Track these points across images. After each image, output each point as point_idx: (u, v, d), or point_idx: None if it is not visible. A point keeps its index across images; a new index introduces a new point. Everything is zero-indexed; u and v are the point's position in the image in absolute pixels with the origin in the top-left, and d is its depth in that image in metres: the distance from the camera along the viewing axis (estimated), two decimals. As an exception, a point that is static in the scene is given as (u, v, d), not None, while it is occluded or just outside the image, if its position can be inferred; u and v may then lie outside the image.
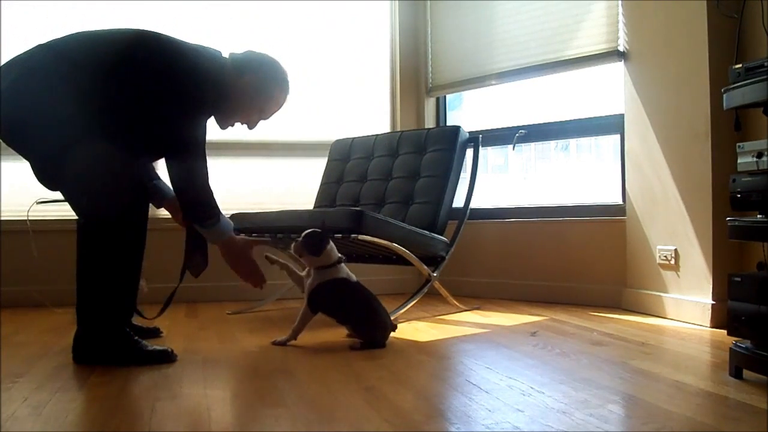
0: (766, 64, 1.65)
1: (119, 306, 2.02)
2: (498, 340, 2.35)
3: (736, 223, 1.74)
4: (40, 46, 2.01)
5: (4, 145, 2.03)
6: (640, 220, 3.01)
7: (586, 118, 3.41)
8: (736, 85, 1.73)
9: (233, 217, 2.60)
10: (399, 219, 2.95)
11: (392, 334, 2.30)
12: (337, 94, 3.87)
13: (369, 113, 3.92)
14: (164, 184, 2.40)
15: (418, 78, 3.95)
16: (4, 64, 2.00)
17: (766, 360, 1.63)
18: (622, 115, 3.13)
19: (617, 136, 3.25)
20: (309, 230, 2.24)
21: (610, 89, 3.28)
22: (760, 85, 1.64)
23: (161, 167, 2.35)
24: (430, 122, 3.95)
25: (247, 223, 2.84)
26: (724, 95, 1.78)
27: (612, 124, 3.26)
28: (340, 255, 2.27)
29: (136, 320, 2.32)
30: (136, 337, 2.04)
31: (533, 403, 1.56)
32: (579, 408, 1.50)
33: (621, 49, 3.10)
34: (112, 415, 1.50)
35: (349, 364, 1.99)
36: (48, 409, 1.53)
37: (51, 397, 1.63)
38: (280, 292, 3.17)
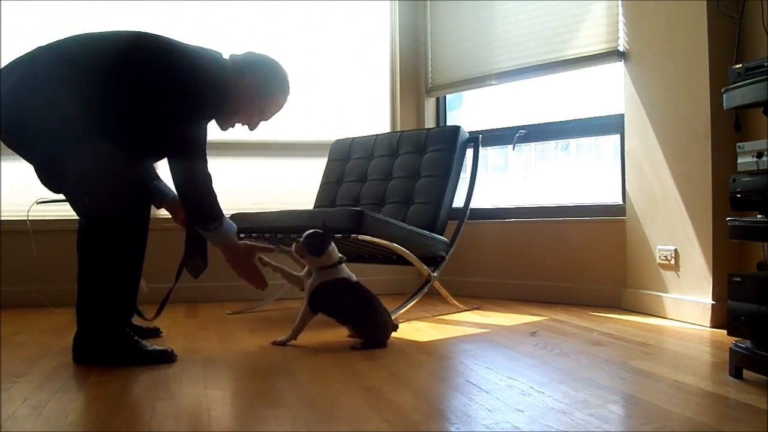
0: (766, 64, 1.65)
1: (120, 306, 2.02)
2: (498, 340, 2.35)
3: (736, 223, 1.74)
4: (41, 47, 2.01)
5: (3, 145, 2.03)
6: (640, 220, 3.01)
7: (586, 118, 3.41)
8: (736, 85, 1.73)
9: (233, 217, 2.60)
10: (399, 219, 2.95)
11: (393, 334, 2.31)
12: (337, 94, 3.87)
13: (369, 113, 3.92)
14: (164, 184, 2.40)
15: (418, 78, 3.95)
16: (5, 66, 2.00)
17: (766, 360, 1.63)
18: (622, 115, 3.13)
19: (617, 136, 3.25)
20: (310, 231, 2.24)
21: (610, 89, 3.28)
22: (760, 85, 1.64)
23: (161, 168, 2.35)
24: (430, 122, 3.95)
25: (247, 223, 2.84)
26: (724, 95, 1.78)
27: (612, 124, 3.26)
28: (341, 255, 2.27)
29: (136, 320, 2.33)
30: (136, 337, 2.04)
31: (533, 403, 1.56)
32: (579, 408, 1.50)
33: (621, 49, 3.10)
34: (112, 415, 1.50)
35: (349, 364, 1.99)
36: (48, 409, 1.53)
37: (51, 397, 1.63)
38: (280, 293, 3.17)
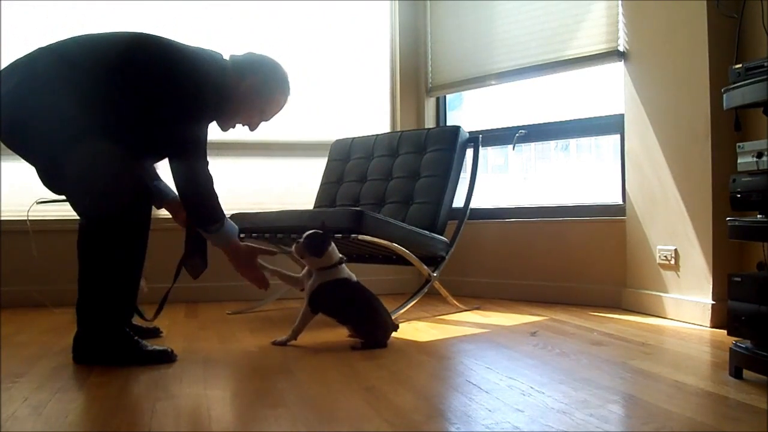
0: (766, 64, 1.65)
1: (120, 306, 2.02)
2: (498, 340, 2.35)
3: (736, 223, 1.74)
4: (41, 49, 2.02)
5: (4, 145, 2.03)
6: (640, 220, 3.01)
7: (586, 118, 3.41)
8: (736, 85, 1.73)
9: (233, 216, 2.60)
10: (399, 219, 2.95)
11: (393, 334, 2.30)
12: (337, 94, 3.86)
13: (369, 113, 3.92)
14: (165, 184, 2.40)
15: (418, 78, 3.95)
16: (5, 68, 2.00)
17: (766, 360, 1.63)
18: (622, 115, 3.13)
19: (617, 136, 3.25)
20: (310, 231, 2.24)
21: (610, 89, 3.28)
22: (760, 85, 1.64)
23: (162, 168, 2.35)
24: (430, 122, 3.95)
25: (248, 223, 2.83)
26: (724, 95, 1.78)
27: (612, 124, 3.26)
28: (341, 255, 2.27)
29: (136, 320, 2.33)
30: (136, 337, 2.04)
31: (533, 403, 1.56)
32: (579, 408, 1.50)
33: (621, 49, 3.10)
34: (112, 415, 1.50)
35: (349, 364, 1.99)
36: (48, 409, 1.53)
37: (51, 397, 1.63)
38: (280, 293, 3.17)
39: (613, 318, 2.82)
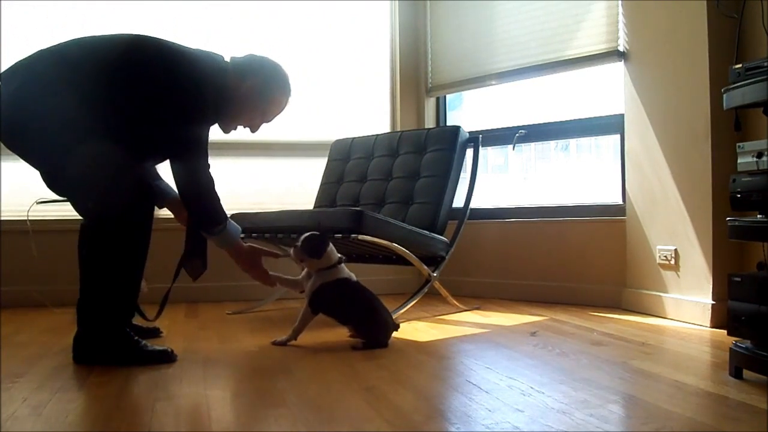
0: (766, 64, 1.65)
1: (121, 306, 2.02)
2: (498, 340, 2.35)
3: (736, 223, 1.74)
4: (41, 51, 2.02)
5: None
6: (640, 220, 3.01)
7: (586, 118, 3.41)
8: (736, 85, 1.73)
9: (234, 216, 2.60)
10: (399, 219, 2.95)
11: (393, 333, 2.30)
12: (337, 94, 3.86)
13: (369, 113, 3.92)
14: (166, 183, 2.41)
15: (418, 78, 3.95)
16: (6, 70, 2.01)
17: (766, 360, 1.63)
18: (622, 115, 3.13)
19: (617, 136, 3.25)
20: (307, 234, 2.24)
21: (610, 89, 3.28)
22: (760, 85, 1.64)
23: (163, 169, 2.35)
24: (430, 122, 3.95)
25: (248, 223, 2.83)
26: (724, 95, 1.78)
27: (612, 124, 3.26)
28: (340, 255, 2.27)
29: (136, 320, 2.32)
30: (137, 338, 2.04)
31: (533, 403, 1.56)
32: (579, 408, 1.50)
33: (621, 49, 3.10)
34: (112, 415, 1.50)
35: (349, 364, 1.99)
36: (48, 409, 1.53)
37: (51, 397, 1.63)
38: (280, 292, 3.17)
39: (613, 318, 2.82)
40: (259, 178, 3.76)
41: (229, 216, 2.21)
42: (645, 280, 2.97)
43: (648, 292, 2.94)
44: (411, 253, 2.79)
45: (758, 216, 1.69)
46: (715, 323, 2.54)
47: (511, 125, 3.65)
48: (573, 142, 3.79)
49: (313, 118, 3.81)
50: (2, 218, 3.33)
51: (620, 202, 3.21)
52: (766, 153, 1.66)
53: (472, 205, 3.18)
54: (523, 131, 3.58)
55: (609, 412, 1.47)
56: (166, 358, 2.02)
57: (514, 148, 3.64)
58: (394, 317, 2.42)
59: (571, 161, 3.87)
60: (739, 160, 1.77)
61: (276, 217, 2.82)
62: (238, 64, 2.21)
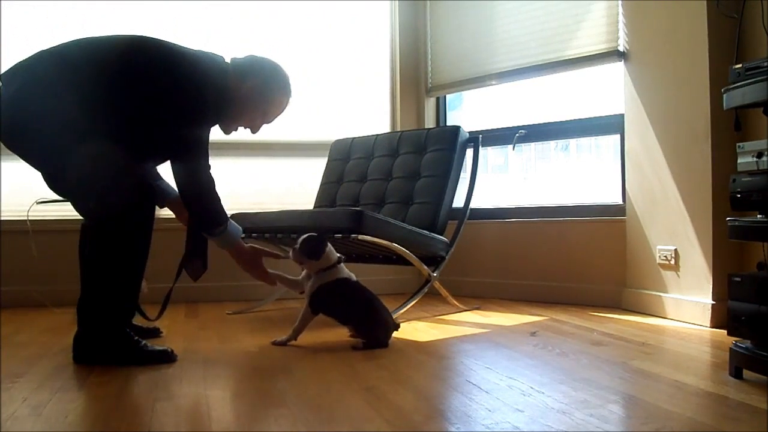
0: (766, 64, 1.65)
1: (121, 306, 2.02)
2: (498, 340, 2.35)
3: (736, 223, 1.74)
4: (42, 52, 2.02)
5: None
6: (640, 220, 3.01)
7: (586, 118, 3.41)
8: (736, 85, 1.73)
9: (234, 216, 2.60)
10: (399, 219, 2.95)
11: (393, 333, 2.30)
12: (337, 94, 3.87)
13: (369, 113, 3.92)
14: (167, 183, 2.41)
15: (418, 78, 3.95)
16: (7, 71, 2.01)
17: (766, 360, 1.63)
18: (622, 115, 3.13)
19: (617, 136, 3.25)
20: (305, 235, 2.24)
21: (610, 89, 3.28)
22: (760, 85, 1.64)
23: (163, 170, 2.35)
24: (430, 122, 3.95)
25: (248, 223, 2.83)
26: (724, 95, 1.78)
27: (612, 124, 3.26)
28: (339, 255, 2.27)
29: (137, 320, 2.32)
30: (137, 338, 2.04)
31: (533, 403, 1.56)
32: (579, 408, 1.50)
33: (621, 49, 3.10)
34: (112, 415, 1.50)
35: (349, 364, 1.99)
36: (48, 409, 1.53)
37: (51, 397, 1.63)
38: (280, 292, 3.17)
39: (613, 318, 2.82)
40: (259, 178, 3.76)
41: (229, 216, 2.21)
42: (645, 280, 2.97)
43: (648, 292, 2.94)
44: (411, 253, 2.79)
45: (758, 216, 1.69)
46: (715, 323, 2.54)
47: (511, 125, 3.65)
48: (573, 142, 3.79)
49: (313, 118, 3.81)
50: (2, 218, 3.33)
51: (620, 202, 3.21)
52: (766, 153, 1.66)
53: (472, 205, 3.18)
54: (523, 131, 3.58)
55: (609, 412, 1.47)
56: (166, 358, 2.02)
57: (514, 148, 3.64)
58: (394, 317, 2.42)
59: (571, 161, 3.87)
60: (739, 160, 1.77)
61: (276, 217, 2.82)
62: (239, 65, 2.21)
